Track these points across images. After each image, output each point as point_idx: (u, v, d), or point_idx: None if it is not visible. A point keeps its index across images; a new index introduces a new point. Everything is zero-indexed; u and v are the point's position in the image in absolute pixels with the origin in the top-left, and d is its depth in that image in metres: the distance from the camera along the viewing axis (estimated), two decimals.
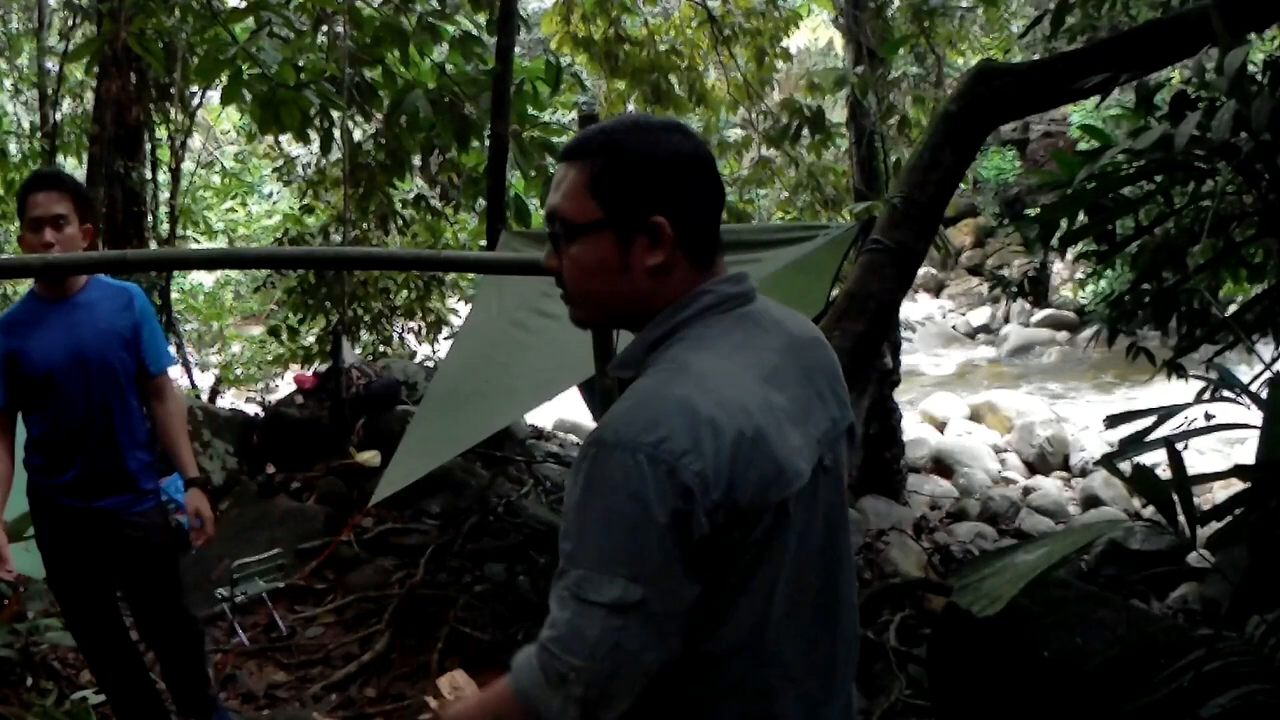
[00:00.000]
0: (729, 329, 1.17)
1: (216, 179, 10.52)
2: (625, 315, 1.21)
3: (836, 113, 7.83)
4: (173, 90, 6.84)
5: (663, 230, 1.15)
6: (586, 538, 1.05)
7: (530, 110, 5.56)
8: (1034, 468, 8.43)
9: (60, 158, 7.46)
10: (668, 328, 1.17)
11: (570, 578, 1.05)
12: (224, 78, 4.64)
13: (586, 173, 1.17)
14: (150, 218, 7.20)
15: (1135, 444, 2.18)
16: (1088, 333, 4.39)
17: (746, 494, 1.06)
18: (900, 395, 7.07)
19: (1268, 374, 2.49)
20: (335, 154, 6.00)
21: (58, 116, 7.15)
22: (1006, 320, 15.38)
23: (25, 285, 8.54)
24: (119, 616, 2.74)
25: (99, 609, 2.65)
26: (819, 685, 1.22)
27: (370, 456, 5.49)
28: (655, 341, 1.18)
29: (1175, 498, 1.88)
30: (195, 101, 7.58)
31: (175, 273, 8.27)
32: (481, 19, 5.72)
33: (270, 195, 13.03)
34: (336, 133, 5.48)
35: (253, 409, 6.87)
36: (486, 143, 5.26)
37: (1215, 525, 1.94)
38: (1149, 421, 2.26)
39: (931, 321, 15.86)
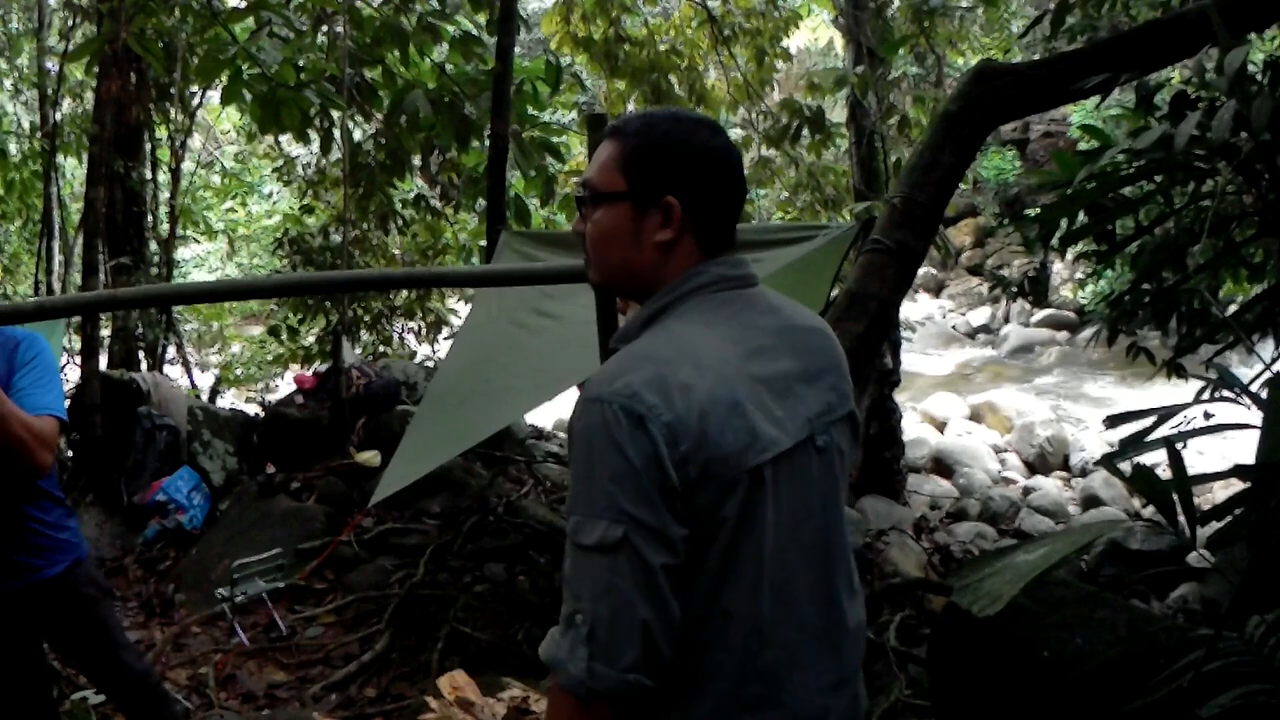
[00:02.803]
0: (719, 305, 1.25)
1: (216, 179, 10.51)
2: (630, 282, 1.31)
3: (836, 113, 7.82)
4: (173, 90, 6.84)
5: (674, 210, 1.25)
6: (576, 485, 1.13)
7: (530, 110, 5.56)
8: (1034, 468, 8.42)
9: (60, 158, 7.46)
10: (665, 302, 1.26)
11: (569, 526, 1.12)
12: (224, 78, 4.64)
13: (620, 149, 1.28)
14: (150, 218, 7.20)
15: (1135, 444, 2.18)
16: (1088, 333, 4.39)
17: (718, 452, 1.11)
18: (900, 395, 7.07)
19: (1268, 374, 2.49)
20: (335, 154, 5.99)
21: (58, 116, 7.14)
22: (1006, 320, 15.39)
23: (25, 287, 8.53)
24: (40, 686, 2.50)
25: (20, 686, 2.43)
26: (824, 672, 1.24)
27: (370, 456, 5.50)
28: (652, 315, 1.26)
29: (1175, 498, 1.88)
30: (195, 101, 7.57)
31: (174, 274, 8.27)
32: (481, 19, 5.72)
33: (270, 195, 13.04)
34: (336, 133, 5.48)
35: (253, 409, 6.87)
36: (486, 143, 5.26)
37: (1215, 525, 1.94)
38: (1149, 421, 2.26)
39: (931, 321, 15.86)
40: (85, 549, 2.46)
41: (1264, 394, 2.09)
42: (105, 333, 6.57)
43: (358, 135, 6.13)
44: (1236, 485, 1.93)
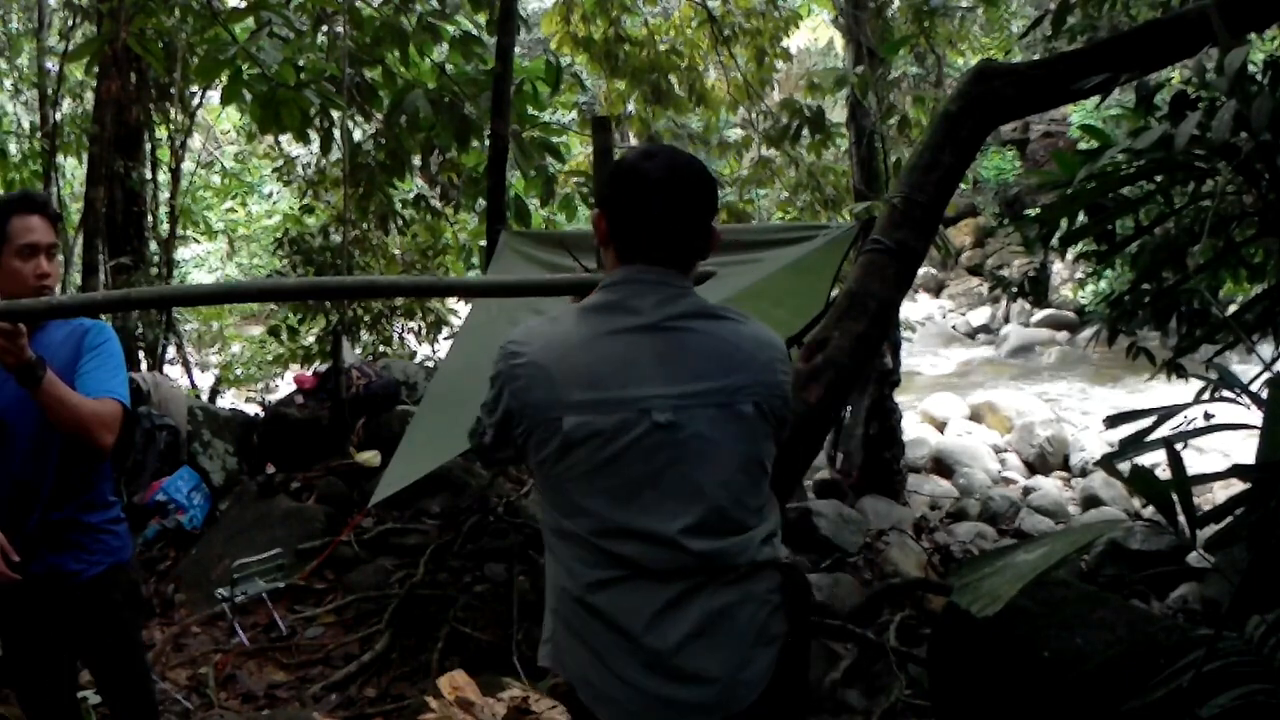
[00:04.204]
0: (604, 299, 1.55)
1: (216, 179, 10.51)
2: None
3: (836, 113, 7.83)
4: (173, 90, 6.84)
5: (598, 222, 1.58)
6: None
7: (530, 110, 5.56)
8: (1034, 468, 8.42)
9: (60, 158, 7.46)
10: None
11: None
12: (224, 78, 4.64)
13: None
14: (150, 218, 7.20)
15: (1135, 444, 2.17)
16: (1088, 333, 4.39)
17: (532, 398, 1.54)
18: (900, 395, 7.07)
19: (1268, 374, 2.49)
20: (335, 154, 5.99)
21: (58, 116, 7.14)
22: (1006, 320, 15.40)
23: None
24: (72, 689, 2.53)
25: (51, 677, 2.42)
26: (667, 585, 1.53)
27: (370, 456, 5.49)
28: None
29: (1175, 498, 1.88)
30: (195, 101, 7.57)
31: (176, 273, 8.27)
32: (481, 19, 5.72)
33: (270, 195, 13.04)
34: (336, 133, 5.48)
35: (253, 409, 6.87)
36: (486, 143, 5.26)
37: (1215, 525, 1.93)
38: (1149, 422, 2.25)
39: (931, 321, 15.87)
40: (128, 554, 2.45)
41: (1264, 394, 2.08)
42: None
43: (358, 135, 6.13)
44: (1236, 485, 1.93)
